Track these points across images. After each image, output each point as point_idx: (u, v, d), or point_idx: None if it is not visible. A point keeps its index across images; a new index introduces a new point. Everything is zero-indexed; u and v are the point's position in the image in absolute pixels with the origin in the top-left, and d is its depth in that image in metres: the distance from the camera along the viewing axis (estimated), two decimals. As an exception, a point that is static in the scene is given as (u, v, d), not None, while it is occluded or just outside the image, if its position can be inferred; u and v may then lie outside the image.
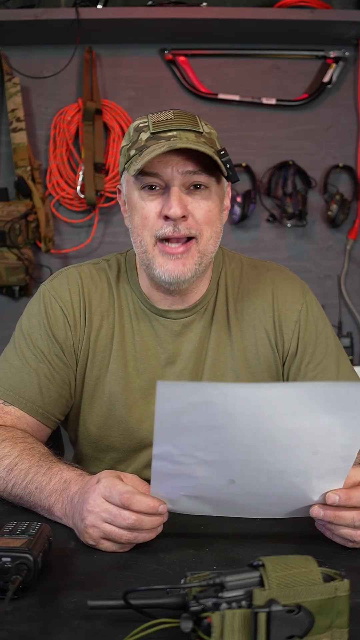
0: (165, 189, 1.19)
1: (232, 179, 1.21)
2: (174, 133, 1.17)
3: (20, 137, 2.58)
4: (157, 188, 1.19)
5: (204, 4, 2.57)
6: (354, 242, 2.78)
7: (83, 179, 2.64)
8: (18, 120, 2.59)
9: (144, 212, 1.20)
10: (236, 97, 2.70)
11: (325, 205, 2.74)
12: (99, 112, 2.63)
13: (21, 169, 2.57)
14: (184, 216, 1.17)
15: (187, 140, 1.16)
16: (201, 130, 1.19)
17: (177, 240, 1.19)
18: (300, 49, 2.72)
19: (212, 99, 2.71)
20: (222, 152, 1.19)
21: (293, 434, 0.86)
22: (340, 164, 2.73)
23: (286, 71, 2.74)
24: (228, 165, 1.19)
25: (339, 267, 2.78)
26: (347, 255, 2.77)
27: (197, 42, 2.69)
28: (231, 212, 2.69)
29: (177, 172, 1.17)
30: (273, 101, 2.71)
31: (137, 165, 1.16)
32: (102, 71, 2.70)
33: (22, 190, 2.57)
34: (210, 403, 0.82)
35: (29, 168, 2.58)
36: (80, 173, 2.65)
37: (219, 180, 1.22)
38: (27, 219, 2.55)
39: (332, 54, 2.69)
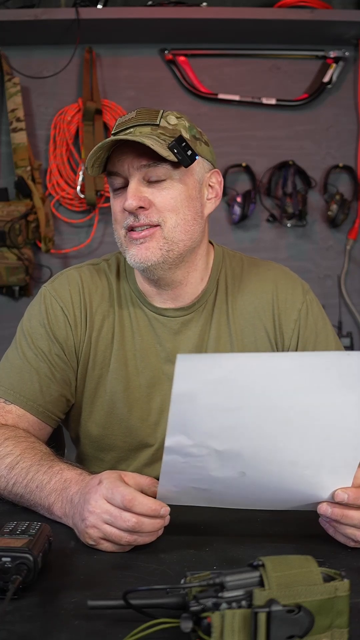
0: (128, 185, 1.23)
1: (183, 163, 1.20)
2: (131, 130, 1.20)
3: (20, 137, 2.58)
4: (123, 187, 1.23)
5: (204, 4, 2.57)
6: (354, 242, 2.78)
7: (83, 179, 2.64)
8: (18, 120, 2.59)
9: (114, 209, 1.26)
10: (236, 97, 2.70)
11: (325, 205, 2.74)
12: (99, 112, 2.63)
13: (21, 169, 2.57)
14: (142, 207, 1.20)
15: (141, 135, 1.18)
16: (158, 122, 1.21)
17: (141, 227, 1.22)
18: (300, 49, 2.72)
19: (212, 99, 2.71)
20: (172, 138, 1.19)
21: (307, 414, 0.86)
22: (340, 164, 2.73)
23: (286, 71, 2.74)
24: (175, 150, 1.18)
25: (339, 267, 2.78)
26: (347, 255, 2.77)
27: (197, 42, 2.69)
28: (231, 212, 2.69)
29: (132, 167, 1.21)
30: (273, 101, 2.71)
31: (88, 165, 1.22)
32: (102, 71, 2.70)
33: (22, 190, 2.57)
34: (228, 378, 0.82)
35: (29, 168, 2.58)
36: (80, 173, 2.65)
37: (176, 167, 1.21)
38: (27, 219, 2.55)
39: (332, 54, 2.69)
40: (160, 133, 1.19)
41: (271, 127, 2.74)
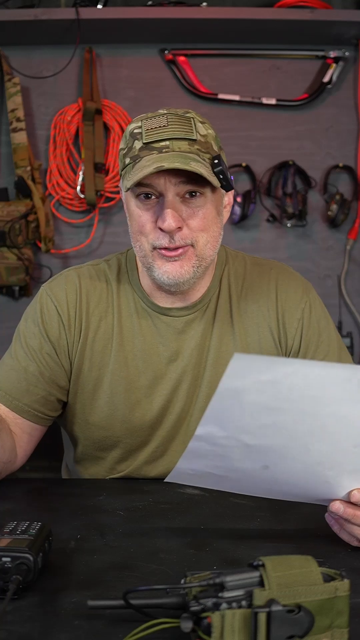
0: (160, 197, 1.19)
1: (226, 189, 1.21)
2: (167, 143, 1.16)
3: (20, 137, 2.58)
4: (152, 197, 1.19)
5: (204, 4, 2.57)
6: (354, 242, 2.78)
7: (83, 179, 2.64)
8: (18, 120, 2.59)
9: (140, 220, 1.21)
10: (236, 97, 2.70)
11: (325, 205, 2.74)
12: (99, 112, 2.63)
13: (21, 169, 2.57)
14: (178, 227, 1.18)
15: (179, 151, 1.15)
16: (195, 137, 1.18)
17: (173, 248, 1.20)
18: (300, 49, 2.72)
19: (212, 99, 2.71)
20: (216, 161, 1.18)
21: (343, 421, 0.86)
22: (340, 164, 2.73)
23: (286, 71, 2.74)
24: (221, 176, 1.18)
25: (339, 267, 2.78)
26: (347, 255, 2.77)
27: (197, 42, 2.69)
28: (231, 212, 2.68)
29: (169, 182, 1.17)
30: (273, 101, 2.71)
31: (129, 182, 1.17)
32: (102, 71, 2.70)
33: (22, 190, 2.57)
34: (278, 381, 0.81)
35: (29, 168, 2.58)
36: (80, 173, 2.65)
37: (214, 189, 1.21)
38: (27, 219, 2.55)
39: (332, 54, 2.69)
40: (198, 149, 1.17)
41: (271, 127, 2.74)
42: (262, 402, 0.83)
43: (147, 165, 1.14)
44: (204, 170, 1.15)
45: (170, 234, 1.18)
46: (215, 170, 1.18)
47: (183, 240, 1.19)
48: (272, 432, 0.87)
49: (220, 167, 1.18)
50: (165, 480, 0.98)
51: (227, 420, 0.86)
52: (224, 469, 0.94)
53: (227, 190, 1.23)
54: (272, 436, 0.88)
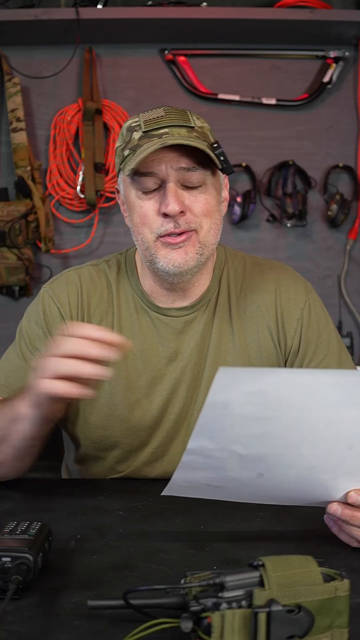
0: (162, 186, 1.19)
1: (227, 171, 1.22)
2: (166, 130, 1.17)
3: (20, 137, 2.58)
4: (155, 188, 1.20)
5: (204, 4, 2.57)
6: (354, 242, 2.77)
7: (83, 179, 2.64)
8: (18, 120, 2.59)
9: (142, 210, 1.21)
10: (236, 97, 2.70)
11: (325, 205, 2.74)
12: (99, 112, 2.63)
13: (21, 169, 2.57)
14: (182, 212, 1.18)
15: (179, 136, 1.16)
16: (192, 124, 1.19)
17: (178, 233, 1.20)
18: (300, 49, 2.72)
19: (212, 99, 2.71)
20: (215, 145, 1.20)
21: (335, 425, 0.86)
22: (340, 164, 2.73)
23: (286, 71, 2.74)
24: (222, 158, 1.19)
25: (339, 267, 2.78)
26: (347, 255, 2.77)
27: (197, 42, 2.69)
28: (231, 212, 2.69)
29: (171, 168, 1.18)
30: (273, 101, 2.71)
31: (131, 165, 1.17)
32: (102, 71, 2.70)
33: (22, 190, 2.57)
34: (266, 391, 0.81)
35: (29, 168, 2.58)
36: (80, 173, 2.65)
37: (214, 173, 1.23)
38: (27, 219, 2.55)
39: (332, 54, 2.69)
40: (196, 136, 1.18)
41: (271, 127, 2.74)
42: (252, 413, 0.83)
43: (150, 146, 1.15)
44: (207, 149, 1.16)
45: (174, 218, 1.18)
46: (216, 152, 1.19)
47: (187, 224, 1.19)
48: (264, 441, 0.87)
49: (221, 150, 1.19)
50: (162, 495, 0.98)
51: (217, 433, 0.86)
52: (220, 480, 0.94)
53: (227, 173, 1.23)
54: (264, 445, 0.88)
